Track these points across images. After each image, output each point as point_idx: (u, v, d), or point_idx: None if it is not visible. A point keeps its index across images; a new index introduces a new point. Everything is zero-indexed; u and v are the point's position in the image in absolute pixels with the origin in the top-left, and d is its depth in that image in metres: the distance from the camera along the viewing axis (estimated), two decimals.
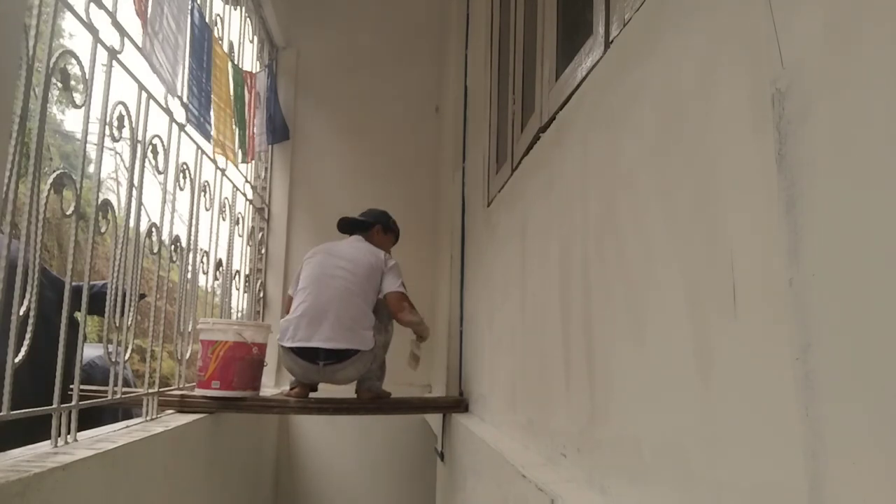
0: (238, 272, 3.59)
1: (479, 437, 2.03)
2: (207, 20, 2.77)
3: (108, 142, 1.78)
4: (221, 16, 3.09)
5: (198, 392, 2.49)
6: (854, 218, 0.55)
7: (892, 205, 0.51)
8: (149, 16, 2.05)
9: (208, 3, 2.86)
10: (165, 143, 2.16)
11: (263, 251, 4.22)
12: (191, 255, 2.52)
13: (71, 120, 9.74)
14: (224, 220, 3.09)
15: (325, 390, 2.88)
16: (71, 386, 1.63)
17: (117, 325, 1.84)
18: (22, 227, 1.41)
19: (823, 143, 0.59)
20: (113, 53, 1.75)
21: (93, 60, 1.63)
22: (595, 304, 1.24)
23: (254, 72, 3.75)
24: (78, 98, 1.58)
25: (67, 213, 1.56)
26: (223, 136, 2.98)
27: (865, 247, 0.54)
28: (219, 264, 3.06)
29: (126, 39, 1.82)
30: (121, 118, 1.79)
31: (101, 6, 1.71)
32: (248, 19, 3.73)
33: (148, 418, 2.10)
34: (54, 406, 1.52)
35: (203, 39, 2.66)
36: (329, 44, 4.52)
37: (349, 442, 4.21)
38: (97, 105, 1.67)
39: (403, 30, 4.59)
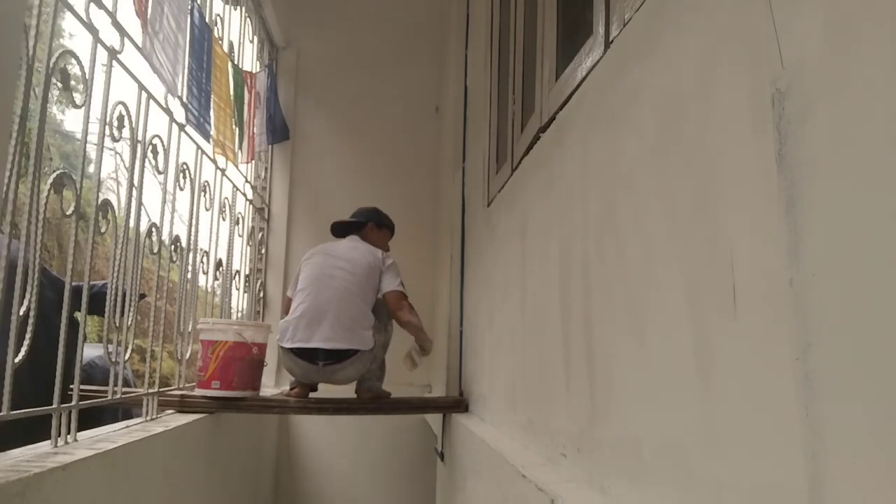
0: (238, 272, 3.59)
1: (479, 437, 2.03)
2: (207, 20, 2.77)
3: (108, 142, 1.78)
4: (221, 16, 3.09)
5: (198, 392, 2.49)
6: (854, 218, 0.55)
7: (892, 205, 0.51)
8: (149, 15, 2.05)
9: (208, 3, 2.86)
10: (165, 143, 2.16)
11: (263, 251, 4.22)
12: (191, 255, 2.52)
13: (71, 120, 9.75)
14: (224, 220, 3.09)
15: (325, 390, 2.88)
16: (71, 386, 1.63)
17: (117, 325, 1.84)
18: (22, 227, 1.41)
19: (823, 143, 0.59)
20: (113, 53, 1.75)
21: (93, 60, 1.63)
22: (595, 304, 1.24)
23: (254, 72, 3.75)
24: (78, 98, 1.58)
25: (67, 213, 1.56)
26: (223, 136, 2.98)
27: (865, 247, 0.54)
28: (219, 264, 3.06)
29: (126, 39, 1.82)
30: (121, 118, 1.79)
31: (101, 6, 1.71)
32: (248, 19, 3.73)
33: (148, 418, 2.10)
34: (54, 406, 1.52)
35: (203, 39, 2.66)
36: (329, 44, 4.52)
37: (349, 442, 4.21)
38: (97, 105, 1.67)
39: (403, 30, 4.59)
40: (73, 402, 1.61)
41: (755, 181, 0.71)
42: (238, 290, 3.64)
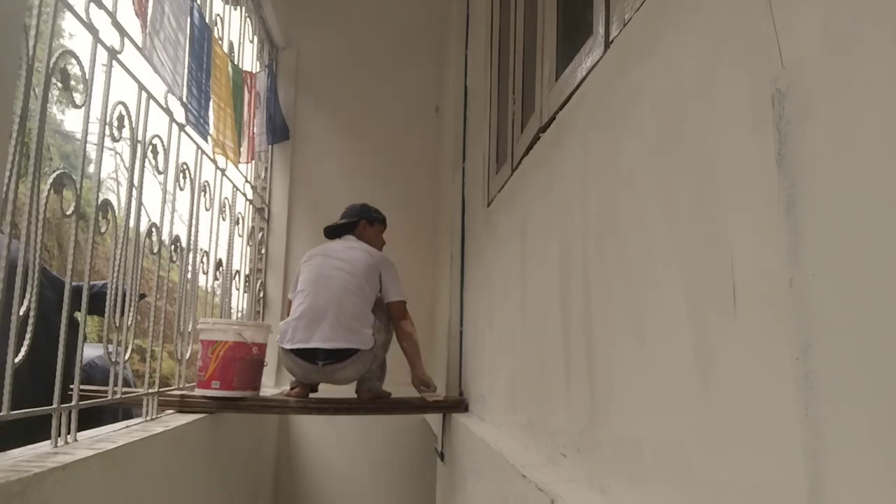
0: (238, 272, 3.59)
1: (479, 437, 2.03)
2: (207, 20, 2.77)
3: (108, 142, 1.78)
4: (221, 16, 3.09)
5: (198, 392, 2.49)
6: (854, 218, 0.55)
7: (892, 205, 0.51)
8: (149, 15, 2.05)
9: (208, 3, 2.86)
10: (165, 143, 2.16)
11: (263, 251, 4.22)
12: (191, 255, 2.52)
13: (71, 120, 9.75)
14: (224, 220, 3.09)
15: (325, 390, 2.88)
16: (71, 386, 1.63)
17: (117, 325, 1.84)
18: (22, 227, 1.41)
19: (823, 143, 0.59)
20: (113, 53, 1.75)
21: (93, 60, 1.63)
22: (595, 304, 1.24)
23: (254, 72, 3.75)
24: (78, 98, 1.58)
25: (67, 213, 1.56)
26: (223, 136, 2.98)
27: (865, 247, 0.54)
28: (219, 264, 3.06)
29: (126, 39, 1.82)
30: (121, 118, 1.79)
31: (101, 6, 1.71)
32: (248, 19, 3.73)
33: (148, 418, 2.10)
34: (54, 406, 1.52)
35: (203, 39, 2.66)
36: (329, 44, 4.52)
37: (349, 442, 4.21)
38: (97, 105, 1.67)
39: (403, 30, 4.59)
40: (73, 402, 1.61)
41: (755, 181, 0.71)
42: (238, 290, 3.64)
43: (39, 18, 1.42)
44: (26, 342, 1.39)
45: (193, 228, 2.55)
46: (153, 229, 2.09)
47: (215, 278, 3.03)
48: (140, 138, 1.94)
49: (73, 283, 1.59)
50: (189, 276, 2.55)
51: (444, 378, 3.26)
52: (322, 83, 4.49)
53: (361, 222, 3.01)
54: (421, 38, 4.58)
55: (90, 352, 2.49)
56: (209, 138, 2.74)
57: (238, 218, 3.45)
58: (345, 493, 4.17)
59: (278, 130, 4.19)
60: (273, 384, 3.85)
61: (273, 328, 2.83)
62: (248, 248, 3.87)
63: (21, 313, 1.38)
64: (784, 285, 0.63)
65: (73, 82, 1.58)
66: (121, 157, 7.23)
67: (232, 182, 3.25)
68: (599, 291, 1.23)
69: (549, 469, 1.41)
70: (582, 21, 1.42)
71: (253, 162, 3.89)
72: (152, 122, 2.01)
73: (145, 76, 1.97)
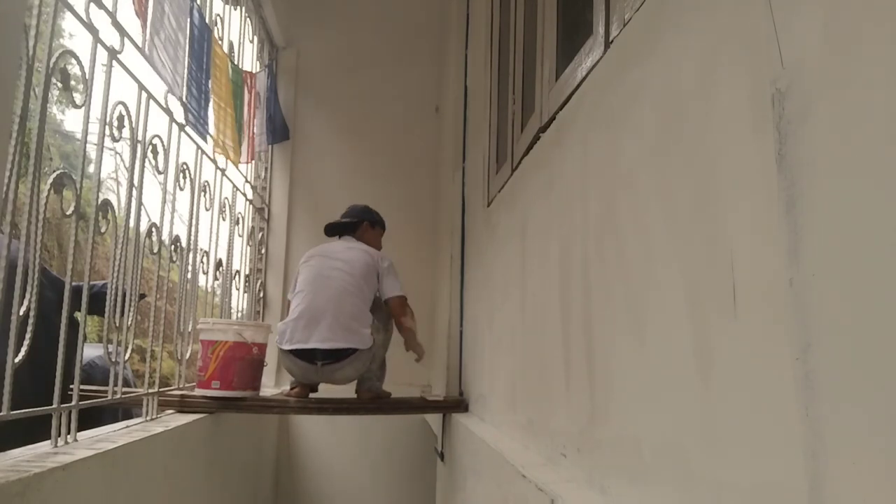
0: (238, 272, 3.59)
1: (479, 437, 2.03)
2: (207, 20, 2.77)
3: (108, 142, 1.78)
4: (221, 16, 3.09)
5: (198, 392, 2.49)
6: (854, 218, 0.55)
7: (892, 205, 0.51)
8: (150, 15, 2.05)
9: (208, 3, 2.86)
10: (165, 143, 2.16)
11: (263, 251, 4.22)
12: (191, 255, 2.52)
13: (71, 120, 9.75)
14: (224, 220, 3.09)
15: (325, 390, 2.88)
16: (71, 386, 1.63)
17: (117, 325, 1.84)
18: (22, 227, 1.41)
19: (823, 143, 0.59)
20: (113, 53, 1.75)
21: (93, 60, 1.63)
22: (595, 304, 1.24)
23: (254, 72, 3.75)
24: (78, 98, 1.58)
25: (67, 213, 1.56)
26: (223, 136, 2.98)
27: (865, 247, 0.54)
28: (219, 264, 3.06)
29: (126, 39, 1.82)
30: (121, 118, 1.79)
31: (101, 6, 1.71)
32: (248, 19, 3.73)
33: (148, 418, 2.10)
34: (54, 406, 1.52)
35: (203, 40, 2.66)
36: (329, 44, 4.52)
37: (349, 442, 4.21)
38: (97, 105, 1.67)
39: (403, 30, 4.59)
40: (73, 402, 1.61)
41: (755, 181, 0.71)
42: (238, 290, 3.64)
43: (39, 18, 1.42)
44: (26, 342, 1.39)
45: (193, 228, 2.55)
46: (153, 229, 2.09)
47: (215, 278, 3.03)
48: (140, 138, 1.94)
49: (73, 283, 1.59)
50: (189, 276, 2.55)
51: (444, 378, 3.26)
52: (322, 83, 4.49)
53: (364, 223, 3.01)
54: (421, 38, 4.58)
55: (90, 352, 2.49)
56: (209, 138, 2.74)
57: (238, 218, 3.45)
58: (345, 493, 4.17)
59: (278, 130, 4.19)
60: (273, 384, 3.85)
61: (273, 328, 2.83)
62: (248, 248, 3.87)
63: (21, 313, 1.38)
64: (784, 285, 0.63)
65: (73, 82, 1.58)
66: (121, 157, 7.23)
67: (232, 182, 3.25)
68: (599, 291, 1.23)
69: (549, 469, 1.41)
70: (582, 21, 1.42)
71: (253, 162, 3.89)
72: (152, 122, 2.01)
73: (145, 76, 1.97)
